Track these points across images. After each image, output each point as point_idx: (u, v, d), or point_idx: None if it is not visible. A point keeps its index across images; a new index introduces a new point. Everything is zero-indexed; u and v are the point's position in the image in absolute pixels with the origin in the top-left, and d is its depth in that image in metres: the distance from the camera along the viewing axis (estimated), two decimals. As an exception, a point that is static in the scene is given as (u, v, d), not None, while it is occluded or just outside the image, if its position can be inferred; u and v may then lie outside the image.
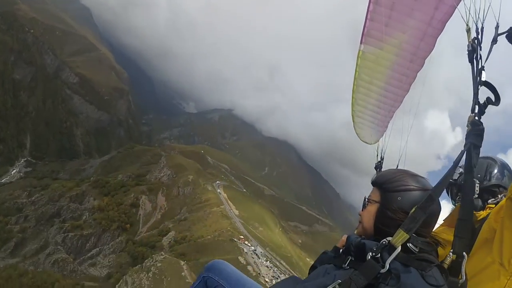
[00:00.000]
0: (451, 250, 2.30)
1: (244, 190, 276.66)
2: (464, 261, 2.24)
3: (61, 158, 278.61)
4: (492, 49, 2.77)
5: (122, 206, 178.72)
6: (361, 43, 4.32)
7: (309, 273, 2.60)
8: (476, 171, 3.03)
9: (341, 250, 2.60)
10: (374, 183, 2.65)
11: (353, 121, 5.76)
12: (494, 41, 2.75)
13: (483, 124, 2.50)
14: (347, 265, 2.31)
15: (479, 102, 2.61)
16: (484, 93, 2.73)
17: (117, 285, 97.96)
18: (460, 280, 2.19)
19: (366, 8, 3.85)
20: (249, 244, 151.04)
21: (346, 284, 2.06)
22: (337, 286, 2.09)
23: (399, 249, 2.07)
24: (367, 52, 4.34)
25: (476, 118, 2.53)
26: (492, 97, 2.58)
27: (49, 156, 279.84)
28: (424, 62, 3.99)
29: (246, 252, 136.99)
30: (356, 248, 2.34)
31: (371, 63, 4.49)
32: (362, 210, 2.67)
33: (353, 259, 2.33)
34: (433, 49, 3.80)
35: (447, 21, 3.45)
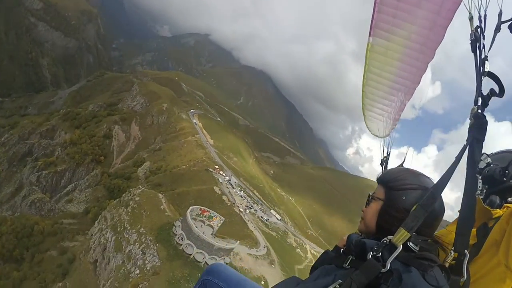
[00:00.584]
0: (453, 248, 2.28)
1: (219, 119, 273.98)
2: (466, 259, 2.22)
3: (28, 92, 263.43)
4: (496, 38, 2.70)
5: (95, 138, 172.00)
6: (369, 35, 4.24)
7: (310, 273, 2.59)
8: (498, 165, 3.18)
9: (342, 250, 2.60)
10: (379, 180, 2.67)
11: (363, 114, 5.60)
12: (497, 29, 2.68)
13: (486, 117, 2.44)
14: (348, 265, 2.30)
15: (482, 93, 2.55)
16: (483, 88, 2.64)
17: (96, 221, 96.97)
18: (462, 279, 2.18)
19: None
20: (223, 174, 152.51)
21: (347, 284, 2.06)
22: (337, 286, 2.10)
23: (400, 248, 2.07)
24: (376, 44, 4.30)
25: (479, 110, 2.48)
26: (496, 89, 2.52)
27: (16, 92, 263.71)
28: (434, 53, 3.87)
29: (221, 182, 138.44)
30: (356, 247, 2.34)
31: (381, 56, 4.41)
32: (366, 207, 2.68)
33: (353, 258, 2.33)
34: (442, 39, 3.68)
35: (456, 10, 3.34)
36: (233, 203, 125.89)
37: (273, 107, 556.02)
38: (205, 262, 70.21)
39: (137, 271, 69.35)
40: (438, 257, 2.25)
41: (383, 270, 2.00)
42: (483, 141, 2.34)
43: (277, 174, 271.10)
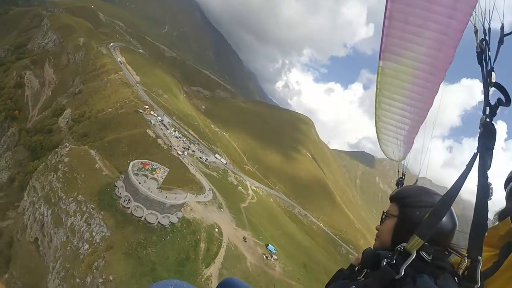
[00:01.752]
0: (466, 255, 2.28)
1: (143, 51, 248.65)
2: (479, 265, 2.20)
3: None
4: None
5: (4, 90, 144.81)
6: (379, 59, 4.31)
7: None
8: None
9: (356, 268, 2.60)
10: (393, 198, 2.73)
11: (377, 138, 5.63)
12: (501, 42, 2.78)
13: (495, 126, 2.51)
14: (362, 277, 2.34)
15: (490, 103, 2.62)
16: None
17: (25, 193, 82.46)
18: (476, 286, 2.18)
19: (382, 24, 3.92)
20: (155, 115, 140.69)
21: None
22: None
23: (414, 255, 2.10)
24: (386, 68, 4.35)
25: (488, 119, 2.53)
26: (503, 98, 2.60)
27: None
28: (445, 74, 3.94)
29: (153, 124, 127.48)
30: (370, 258, 2.37)
31: (391, 79, 4.47)
32: (380, 225, 2.75)
33: (368, 271, 2.36)
34: (452, 59, 3.75)
35: (463, 30, 3.44)
36: (170, 146, 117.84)
37: (200, 37, 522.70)
38: (158, 222, 64.89)
39: (86, 246, 61.43)
40: (453, 266, 2.29)
41: (397, 277, 2.03)
42: (493, 149, 2.41)
43: (208, 109, 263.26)
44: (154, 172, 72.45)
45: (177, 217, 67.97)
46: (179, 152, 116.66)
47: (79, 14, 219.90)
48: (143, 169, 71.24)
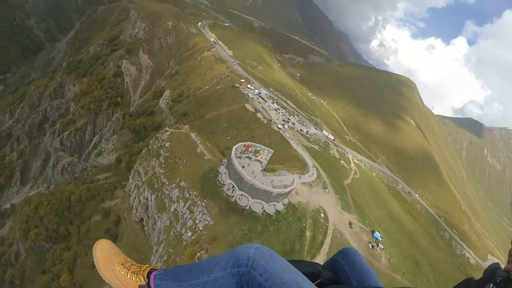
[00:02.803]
0: None
1: (232, 25, 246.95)
2: None
3: (27, 57, 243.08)
4: None
5: (105, 80, 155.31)
6: None
7: None
8: None
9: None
10: None
11: None
12: None
13: None
14: None
15: None
16: None
17: (130, 177, 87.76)
18: None
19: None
20: (252, 88, 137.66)
21: None
22: None
23: None
24: None
25: None
26: None
27: (15, 63, 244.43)
28: None
29: (251, 98, 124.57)
30: (488, 276, 2.46)
31: None
32: None
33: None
34: None
35: None
36: (270, 120, 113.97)
37: (285, 1, 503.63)
38: (264, 210, 61.29)
39: (189, 233, 60.76)
40: None
41: None
42: None
43: (304, 76, 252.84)
44: (258, 154, 68.55)
45: (283, 204, 63.80)
46: (279, 126, 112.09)
47: (163, 0, 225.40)
48: (246, 152, 67.81)
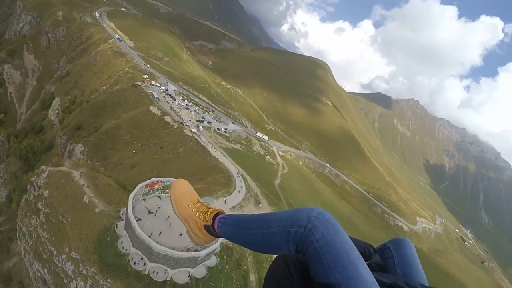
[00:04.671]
0: None
1: (135, 12, 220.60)
2: None
3: None
4: None
5: None
6: None
7: None
8: None
9: None
10: None
11: None
12: None
13: None
14: None
15: None
16: None
17: (17, 234, 63.90)
18: None
19: None
20: (157, 84, 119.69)
21: None
22: None
23: None
24: None
25: None
26: None
27: None
28: None
29: (157, 98, 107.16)
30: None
31: None
32: None
33: None
34: None
35: None
36: (181, 123, 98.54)
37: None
38: (191, 277, 46.25)
39: None
40: None
41: None
42: None
43: (216, 64, 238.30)
44: (167, 190, 52.69)
45: (215, 254, 49.40)
46: (193, 130, 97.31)
47: None
48: (151, 192, 51.55)
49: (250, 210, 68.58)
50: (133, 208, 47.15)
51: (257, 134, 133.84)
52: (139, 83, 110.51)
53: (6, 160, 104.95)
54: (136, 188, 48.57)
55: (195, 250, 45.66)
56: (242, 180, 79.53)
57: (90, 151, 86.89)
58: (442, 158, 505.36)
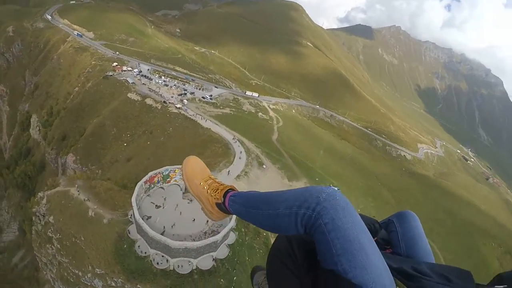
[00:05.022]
0: None
1: (87, 0, 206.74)
2: None
3: None
4: None
5: None
6: None
7: None
8: None
9: None
10: None
11: None
12: None
13: None
14: None
15: None
16: None
17: (40, 265, 64.18)
18: None
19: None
20: (129, 68, 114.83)
21: None
22: None
23: None
24: None
25: None
26: None
27: None
28: None
29: (132, 83, 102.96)
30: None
31: None
32: None
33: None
34: None
35: None
36: (164, 102, 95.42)
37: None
38: (215, 259, 46.33)
39: None
40: None
41: None
42: None
43: (185, 30, 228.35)
44: (169, 179, 51.64)
45: (232, 231, 49.15)
46: (178, 106, 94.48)
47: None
48: (152, 186, 50.20)
49: (256, 174, 68.03)
50: (139, 208, 46.48)
51: (246, 93, 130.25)
52: (110, 73, 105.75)
53: (6, 194, 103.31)
54: (136, 188, 47.09)
55: (212, 232, 45.55)
56: (240, 145, 78.34)
57: (82, 157, 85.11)
58: (433, 81, 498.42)
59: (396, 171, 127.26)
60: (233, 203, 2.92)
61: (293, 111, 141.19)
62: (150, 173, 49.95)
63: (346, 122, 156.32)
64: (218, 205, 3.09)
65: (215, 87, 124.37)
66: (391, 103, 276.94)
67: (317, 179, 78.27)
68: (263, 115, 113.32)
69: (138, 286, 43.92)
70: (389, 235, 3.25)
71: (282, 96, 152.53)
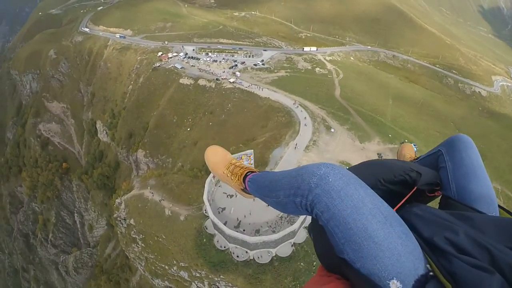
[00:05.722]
0: None
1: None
2: None
3: None
4: None
5: (40, 160, 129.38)
6: None
7: None
8: None
9: None
10: None
11: None
12: None
13: None
14: None
15: None
16: None
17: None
18: None
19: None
20: (175, 54, 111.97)
21: None
22: None
23: None
24: None
25: None
26: None
27: None
28: None
29: (181, 68, 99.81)
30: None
31: None
32: None
33: None
34: None
35: None
36: (217, 79, 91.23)
37: None
38: (294, 244, 45.43)
39: None
40: None
41: None
42: None
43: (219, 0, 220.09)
44: None
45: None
46: (231, 80, 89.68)
47: (34, 32, 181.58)
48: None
49: (325, 141, 62.34)
50: (212, 201, 47.01)
51: (304, 50, 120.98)
52: (158, 64, 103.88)
53: (90, 196, 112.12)
54: (206, 185, 47.29)
55: (288, 215, 44.23)
56: (303, 109, 71.99)
57: (151, 150, 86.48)
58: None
59: (473, 111, 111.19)
60: (251, 189, 2.75)
61: (351, 58, 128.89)
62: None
63: (411, 61, 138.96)
64: (244, 190, 2.90)
65: (264, 50, 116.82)
66: (455, 31, 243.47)
67: (390, 135, 69.61)
68: (321, 70, 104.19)
69: (221, 276, 45.46)
70: (438, 172, 2.62)
71: (337, 44, 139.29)
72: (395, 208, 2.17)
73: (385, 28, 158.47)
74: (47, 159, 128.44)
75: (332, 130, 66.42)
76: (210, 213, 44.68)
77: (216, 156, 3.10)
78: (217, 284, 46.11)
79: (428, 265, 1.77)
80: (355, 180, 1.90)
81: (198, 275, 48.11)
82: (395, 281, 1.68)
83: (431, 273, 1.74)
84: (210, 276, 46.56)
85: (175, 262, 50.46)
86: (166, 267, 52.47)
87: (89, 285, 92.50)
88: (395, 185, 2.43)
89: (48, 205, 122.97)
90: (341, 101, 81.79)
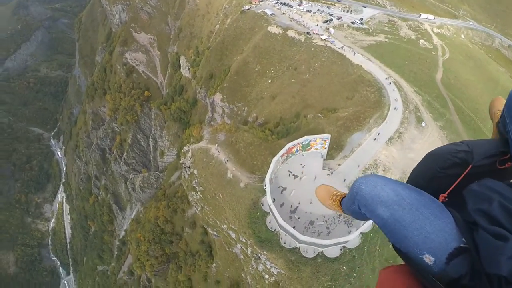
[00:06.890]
0: None
1: None
2: None
3: (61, 100, 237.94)
4: None
5: (123, 86, 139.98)
6: None
7: None
8: None
9: None
10: None
11: None
12: None
13: None
14: None
15: None
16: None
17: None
18: None
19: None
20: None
21: None
22: None
23: None
24: None
25: None
26: None
27: (56, 111, 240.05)
28: None
29: (271, 14, 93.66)
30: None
31: None
32: None
33: None
34: None
35: None
36: (307, 33, 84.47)
37: None
38: (343, 248, 44.25)
39: (266, 276, 48.35)
40: None
41: None
42: None
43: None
44: (308, 148, 47.82)
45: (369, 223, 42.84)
46: (323, 37, 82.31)
47: None
48: (290, 155, 47.09)
49: (412, 136, 55.55)
50: (275, 177, 45.64)
51: (421, 16, 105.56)
52: (247, 7, 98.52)
53: (165, 125, 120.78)
54: (272, 164, 45.05)
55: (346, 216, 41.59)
56: (396, 89, 63.90)
57: (229, 96, 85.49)
58: None
59: None
60: (343, 209, 3.39)
61: (462, 36, 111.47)
62: (288, 145, 46.66)
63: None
64: (342, 210, 3.52)
65: (364, 7, 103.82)
66: None
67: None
68: (425, 43, 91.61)
69: (265, 252, 45.73)
70: (506, 136, 2.35)
71: (448, 16, 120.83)
72: (447, 192, 2.42)
73: (506, 10, 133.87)
74: (131, 85, 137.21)
75: (423, 124, 58.66)
76: (269, 199, 43.41)
77: (324, 192, 3.87)
78: (259, 255, 47.40)
79: (463, 239, 2.00)
80: (382, 181, 2.31)
81: (244, 241, 49.34)
82: (427, 255, 2.00)
83: (462, 246, 1.98)
84: (254, 247, 47.66)
85: (226, 221, 52.06)
86: (218, 222, 54.62)
87: (150, 205, 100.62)
88: (451, 169, 2.47)
89: (126, 127, 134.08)
90: (441, 87, 71.72)
